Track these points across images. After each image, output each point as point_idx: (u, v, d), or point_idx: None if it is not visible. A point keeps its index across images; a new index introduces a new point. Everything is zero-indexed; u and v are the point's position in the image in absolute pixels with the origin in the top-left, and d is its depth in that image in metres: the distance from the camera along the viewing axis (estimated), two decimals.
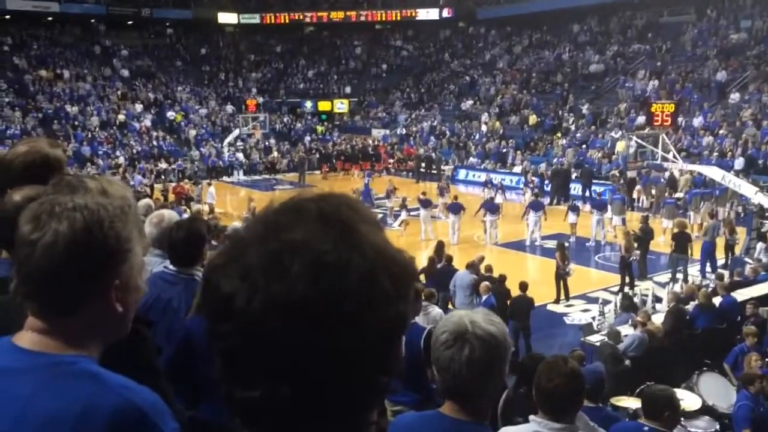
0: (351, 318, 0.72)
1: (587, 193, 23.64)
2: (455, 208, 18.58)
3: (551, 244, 16.56)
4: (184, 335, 2.85)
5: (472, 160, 31.11)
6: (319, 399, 0.73)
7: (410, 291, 0.79)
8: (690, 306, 10.56)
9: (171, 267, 3.18)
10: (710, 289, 11.24)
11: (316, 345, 0.71)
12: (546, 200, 22.64)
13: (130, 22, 41.17)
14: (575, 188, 24.91)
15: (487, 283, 11.09)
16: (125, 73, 38.26)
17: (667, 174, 22.44)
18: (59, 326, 1.11)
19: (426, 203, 19.27)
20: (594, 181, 24.51)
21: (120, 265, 1.14)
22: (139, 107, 35.41)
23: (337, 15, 43.84)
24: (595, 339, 10.02)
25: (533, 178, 25.08)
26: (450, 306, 11.40)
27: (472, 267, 11.95)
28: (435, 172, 29.76)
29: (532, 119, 32.13)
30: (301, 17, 44.20)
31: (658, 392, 4.59)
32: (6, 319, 1.19)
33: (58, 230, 1.09)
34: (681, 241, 14.72)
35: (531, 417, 2.55)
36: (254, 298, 0.71)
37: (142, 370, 1.33)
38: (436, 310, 7.78)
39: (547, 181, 24.98)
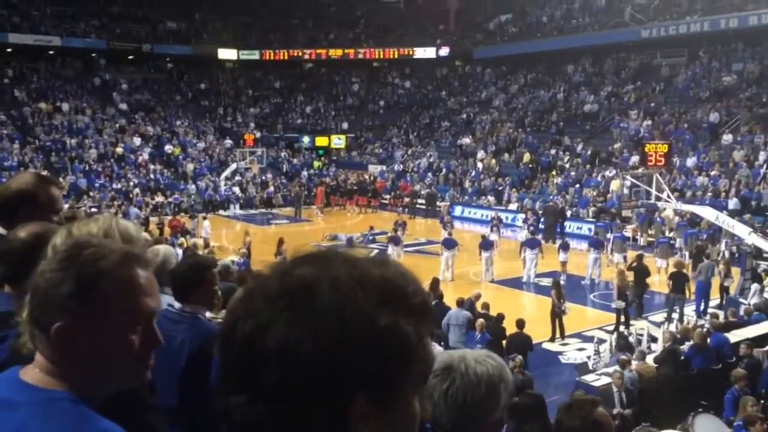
0: (317, 363, 0.75)
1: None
2: (449, 244, 18.64)
3: (546, 281, 16.58)
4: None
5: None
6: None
7: (393, 360, 0.78)
8: (685, 346, 10.54)
9: (175, 305, 3.12)
10: (705, 330, 11.22)
11: (287, 377, 0.76)
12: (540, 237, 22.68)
13: (130, 57, 41.64)
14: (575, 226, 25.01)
15: (481, 320, 11.06)
16: (124, 106, 38.57)
17: (663, 213, 22.60)
18: (57, 364, 1.13)
19: (396, 240, 20.28)
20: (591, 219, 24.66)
21: (65, 309, 1.11)
22: (137, 140, 35.61)
23: (336, 52, 44.48)
24: (590, 378, 9.97)
25: (530, 216, 25.21)
26: (441, 344, 11.33)
27: (463, 304, 11.91)
28: (430, 208, 29.98)
29: (527, 157, 32.40)
30: (300, 54, 44.82)
31: None
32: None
33: (38, 269, 1.17)
34: (678, 281, 14.72)
35: None
36: (245, 326, 0.79)
37: (130, 403, 1.32)
38: (436, 348, 7.74)
39: (542, 219, 25.13)
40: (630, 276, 15.03)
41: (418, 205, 31.17)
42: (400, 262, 0.87)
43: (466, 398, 1.70)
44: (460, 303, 11.88)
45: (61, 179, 26.94)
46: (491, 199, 29.77)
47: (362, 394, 0.77)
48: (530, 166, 31.92)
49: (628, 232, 22.61)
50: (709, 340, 10.37)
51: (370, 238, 23.23)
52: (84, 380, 1.14)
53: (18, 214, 2.13)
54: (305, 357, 0.74)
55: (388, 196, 33.19)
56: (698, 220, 21.10)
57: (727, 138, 27.50)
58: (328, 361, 0.75)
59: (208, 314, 4.06)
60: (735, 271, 16.72)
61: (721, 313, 13.17)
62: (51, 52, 39.03)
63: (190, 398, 2.84)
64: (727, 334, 10.73)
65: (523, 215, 26.32)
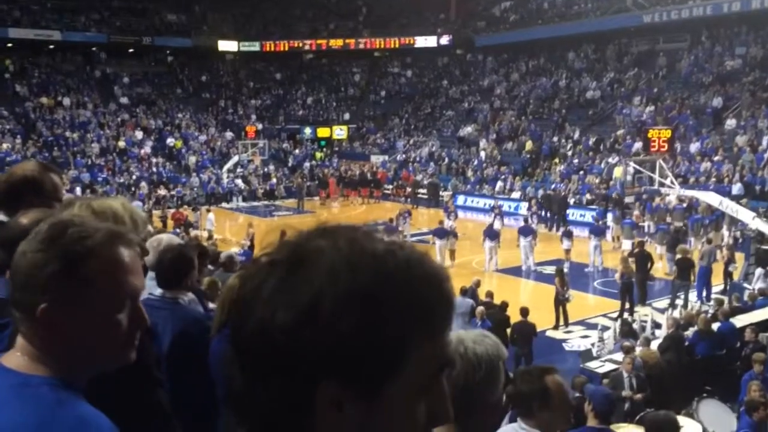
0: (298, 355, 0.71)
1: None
2: (440, 233, 18.66)
3: (550, 269, 16.57)
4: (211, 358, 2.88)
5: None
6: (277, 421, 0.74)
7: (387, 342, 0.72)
8: (689, 332, 10.53)
9: (156, 292, 3.19)
10: (710, 315, 11.21)
11: (269, 365, 0.73)
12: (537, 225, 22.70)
13: (131, 50, 41.56)
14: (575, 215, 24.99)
15: (482, 308, 11.07)
16: (125, 100, 38.55)
17: (666, 199, 22.58)
18: (37, 347, 1.11)
19: (390, 229, 19.70)
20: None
21: (49, 291, 1.10)
22: (139, 134, 35.62)
23: (336, 43, 44.30)
24: (594, 365, 9.98)
25: (534, 204, 25.20)
26: None
27: (466, 293, 11.92)
28: (433, 198, 30.00)
29: (529, 145, 32.31)
30: (301, 45, 44.65)
31: (661, 419, 4.57)
32: None
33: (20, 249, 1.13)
34: (683, 267, 14.69)
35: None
36: (247, 299, 0.75)
37: (137, 378, 1.32)
38: None
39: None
40: (633, 263, 15.01)
41: (420, 195, 31.16)
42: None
43: (468, 380, 1.70)
44: (464, 291, 11.90)
45: (64, 173, 27.00)
46: (500, 184, 29.78)
47: (335, 379, 0.71)
48: (530, 156, 31.73)
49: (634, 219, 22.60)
50: (718, 326, 10.38)
51: None
52: (68, 362, 1.12)
53: (23, 201, 2.14)
54: (277, 327, 0.71)
55: (390, 187, 33.19)
56: (697, 206, 21.12)
57: (730, 123, 27.37)
58: (292, 334, 0.71)
59: (211, 305, 4.08)
60: (739, 256, 16.69)
61: (725, 299, 13.16)
62: (51, 47, 38.93)
63: (178, 382, 2.89)
64: (731, 320, 10.73)
65: (526, 204, 26.31)
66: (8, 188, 2.28)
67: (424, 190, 31.48)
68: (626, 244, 18.57)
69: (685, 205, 21.78)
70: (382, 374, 0.73)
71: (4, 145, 30.82)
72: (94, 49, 40.47)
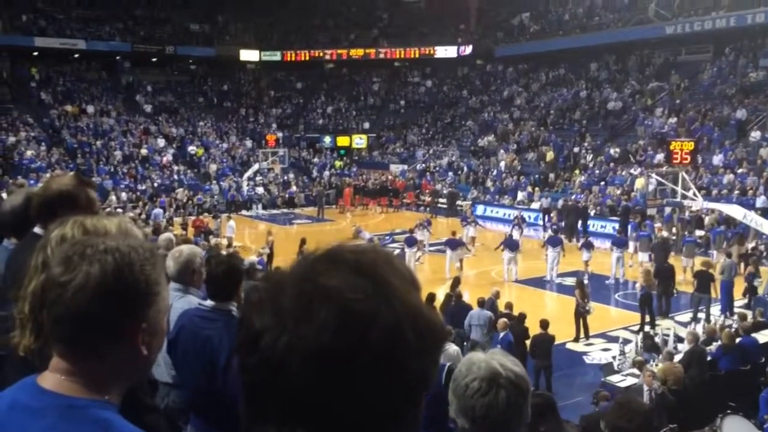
0: (371, 370, 0.73)
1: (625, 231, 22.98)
2: (452, 244, 18.58)
3: (570, 281, 16.43)
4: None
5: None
6: None
7: (436, 351, 0.80)
8: (713, 347, 10.37)
9: (206, 303, 3.18)
10: (733, 330, 11.03)
11: (333, 393, 0.73)
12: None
13: (154, 59, 42.07)
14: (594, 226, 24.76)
15: (504, 319, 10.95)
16: (148, 108, 38.99)
17: (687, 212, 22.31)
18: (82, 368, 1.10)
19: (410, 241, 19.02)
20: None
21: (148, 308, 1.13)
22: (161, 142, 35.98)
23: (357, 52, 44.49)
24: (615, 379, 9.86)
25: (554, 215, 25.05)
26: (465, 343, 11.26)
27: (484, 304, 11.83)
28: (453, 207, 29.93)
29: (550, 155, 32.13)
30: (322, 54, 44.91)
31: None
32: None
33: (89, 272, 1.09)
34: (703, 279, 14.51)
35: None
36: (280, 338, 0.74)
37: (128, 405, 1.31)
38: (452, 348, 7.75)
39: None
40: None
41: (439, 205, 31.11)
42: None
43: (521, 403, 1.67)
44: (481, 303, 11.81)
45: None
46: (521, 194, 29.64)
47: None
48: (542, 170, 31.46)
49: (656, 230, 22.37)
50: (738, 340, 10.20)
51: (388, 239, 22.96)
52: (110, 382, 1.12)
53: (57, 215, 2.15)
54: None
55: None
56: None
57: (755, 135, 27.03)
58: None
59: None
60: (763, 270, 16.43)
61: (749, 313, 12.94)
62: (76, 55, 39.53)
63: (236, 396, 2.91)
64: (755, 335, 10.55)
65: (544, 215, 26.15)
66: (43, 202, 2.30)
67: (443, 200, 31.42)
68: (643, 257, 18.40)
69: (692, 216, 21.56)
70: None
71: (29, 152, 31.22)
72: (118, 57, 41.00)
